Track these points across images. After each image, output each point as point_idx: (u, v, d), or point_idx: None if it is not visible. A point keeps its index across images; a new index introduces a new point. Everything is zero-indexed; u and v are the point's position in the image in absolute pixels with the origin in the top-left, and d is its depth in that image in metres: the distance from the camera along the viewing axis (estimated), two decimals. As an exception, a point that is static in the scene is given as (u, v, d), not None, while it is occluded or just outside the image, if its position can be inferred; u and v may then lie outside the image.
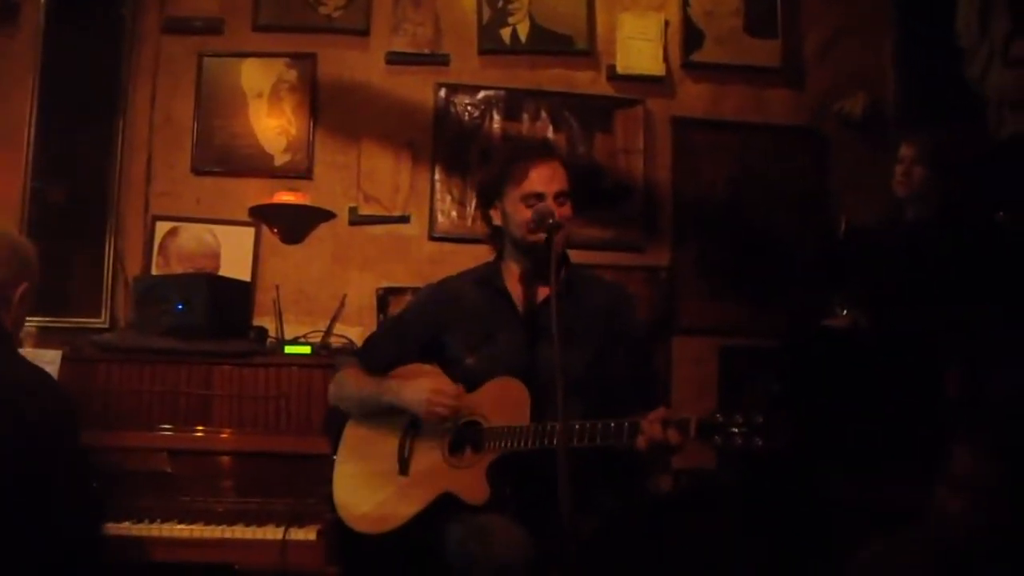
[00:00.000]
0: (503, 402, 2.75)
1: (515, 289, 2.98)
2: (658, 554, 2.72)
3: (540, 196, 2.83)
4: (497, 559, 2.46)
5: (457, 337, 2.98)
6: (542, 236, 2.78)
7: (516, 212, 2.88)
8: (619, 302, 3.06)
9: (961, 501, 2.43)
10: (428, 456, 2.83)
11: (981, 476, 2.44)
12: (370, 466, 2.92)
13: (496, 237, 3.05)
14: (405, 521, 2.75)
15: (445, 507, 2.70)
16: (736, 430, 2.39)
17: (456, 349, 2.97)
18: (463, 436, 2.81)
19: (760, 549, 3.42)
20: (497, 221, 2.99)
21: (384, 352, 3.07)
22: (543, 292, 2.92)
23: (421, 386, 2.81)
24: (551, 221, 2.74)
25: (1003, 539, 2.37)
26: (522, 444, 2.64)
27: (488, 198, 3.01)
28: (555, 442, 2.51)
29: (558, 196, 2.85)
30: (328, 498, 2.99)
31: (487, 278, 3.04)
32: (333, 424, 3.08)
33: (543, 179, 2.85)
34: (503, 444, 2.69)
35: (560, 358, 2.43)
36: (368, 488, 2.89)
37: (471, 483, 2.69)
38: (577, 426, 2.56)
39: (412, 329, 3.08)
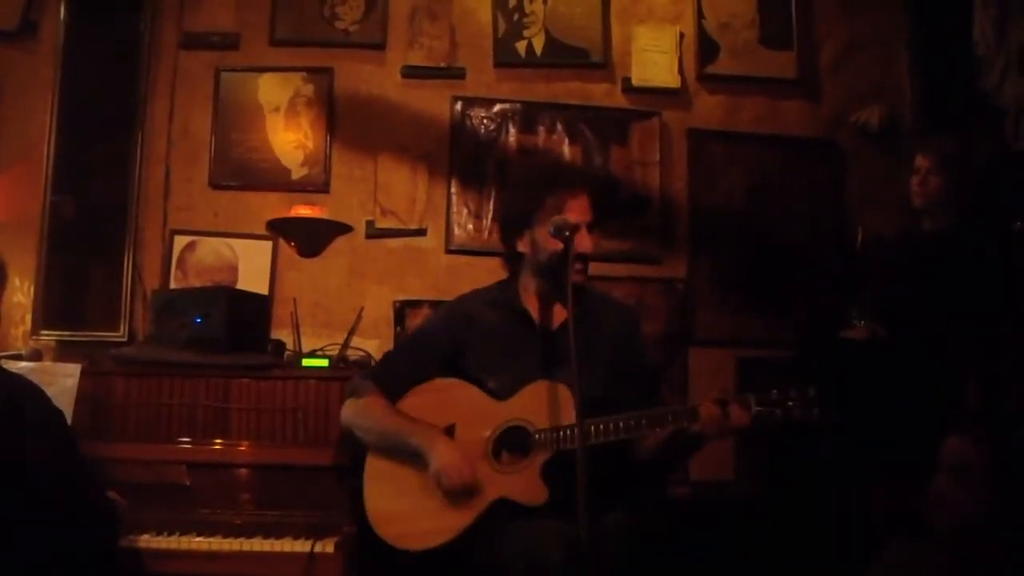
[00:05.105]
0: (546, 404, 2.77)
1: (533, 311, 2.99)
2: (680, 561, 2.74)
3: (576, 227, 2.80)
4: (554, 560, 2.43)
5: (476, 358, 2.97)
6: (566, 265, 2.74)
7: (549, 243, 2.84)
8: (630, 325, 3.08)
9: (956, 487, 2.44)
10: (475, 466, 2.79)
11: (973, 460, 2.45)
12: (407, 482, 2.85)
13: (513, 258, 3.04)
14: (460, 531, 2.72)
15: (495, 515, 2.69)
16: (792, 403, 2.48)
17: (475, 370, 2.96)
18: (504, 442, 2.81)
19: (779, 559, 3.41)
20: (522, 248, 2.96)
21: (403, 371, 3.02)
22: (560, 314, 2.93)
23: (451, 457, 2.75)
24: (567, 233, 2.73)
25: (1000, 522, 2.38)
26: (575, 443, 2.62)
27: (517, 226, 2.97)
28: (607, 437, 2.64)
29: (589, 227, 2.85)
30: (346, 510, 3.00)
31: (505, 300, 3.03)
32: (351, 437, 3.07)
33: (577, 211, 2.84)
34: (555, 444, 2.70)
35: (578, 382, 2.45)
36: (410, 503, 2.83)
37: (526, 486, 2.70)
38: (637, 415, 2.65)
39: (431, 347, 3.04)
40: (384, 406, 2.94)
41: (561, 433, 2.72)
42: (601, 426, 2.68)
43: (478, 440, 2.82)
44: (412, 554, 2.77)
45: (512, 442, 2.80)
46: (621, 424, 2.67)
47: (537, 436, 2.75)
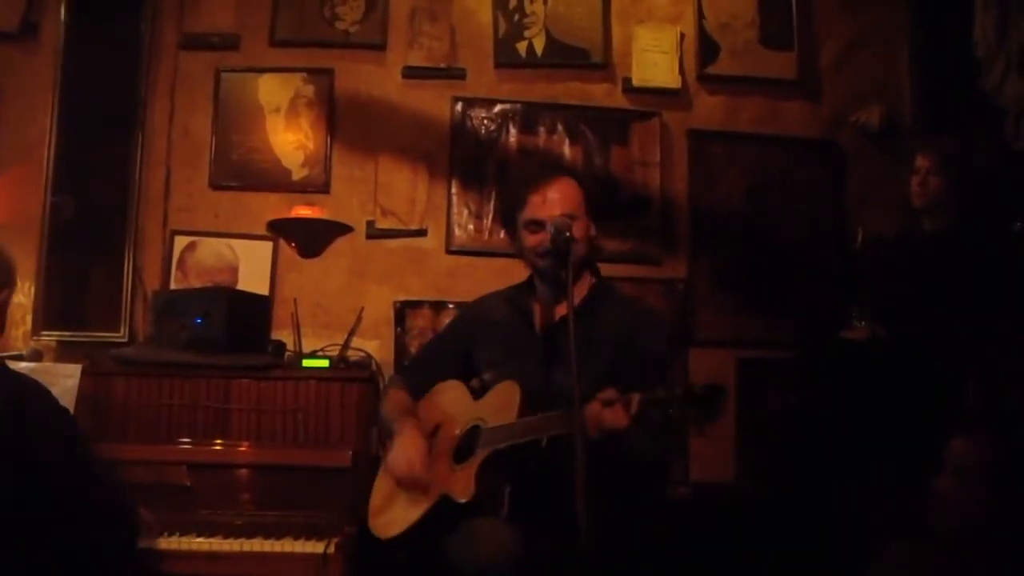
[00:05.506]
0: (499, 404, 2.79)
1: (538, 308, 3.00)
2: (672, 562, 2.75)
3: (540, 223, 2.85)
4: (479, 559, 2.49)
5: (481, 353, 3.05)
6: (550, 261, 2.83)
7: (523, 239, 2.93)
8: (641, 324, 2.98)
9: (958, 486, 2.45)
10: (438, 463, 2.86)
11: (975, 460, 2.46)
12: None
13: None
14: (410, 525, 2.77)
15: (451, 513, 2.71)
16: (674, 403, 2.41)
17: (480, 364, 3.03)
18: (468, 441, 2.83)
19: (779, 559, 3.41)
20: (516, 249, 3.03)
21: (423, 369, 3.18)
22: (560, 312, 2.93)
23: (407, 449, 2.86)
24: (567, 234, 2.71)
25: (1001, 522, 2.39)
26: (507, 441, 2.67)
27: (508, 227, 3.06)
28: (536, 437, 2.58)
29: (572, 217, 2.82)
30: (346, 511, 3.02)
31: (516, 296, 3.08)
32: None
33: (537, 205, 2.87)
34: (492, 443, 2.72)
35: (572, 379, 2.43)
36: (389, 497, 2.92)
37: (462, 483, 2.71)
38: (523, 422, 2.65)
39: (447, 345, 3.19)
40: (395, 400, 3.09)
41: (497, 433, 2.73)
42: (491, 433, 2.73)
43: (450, 438, 2.88)
44: (384, 543, 2.85)
45: (472, 440, 2.82)
46: (503, 431, 2.69)
47: (482, 434, 2.78)
